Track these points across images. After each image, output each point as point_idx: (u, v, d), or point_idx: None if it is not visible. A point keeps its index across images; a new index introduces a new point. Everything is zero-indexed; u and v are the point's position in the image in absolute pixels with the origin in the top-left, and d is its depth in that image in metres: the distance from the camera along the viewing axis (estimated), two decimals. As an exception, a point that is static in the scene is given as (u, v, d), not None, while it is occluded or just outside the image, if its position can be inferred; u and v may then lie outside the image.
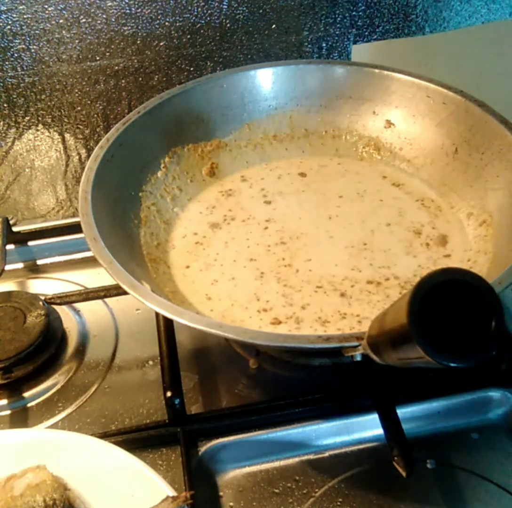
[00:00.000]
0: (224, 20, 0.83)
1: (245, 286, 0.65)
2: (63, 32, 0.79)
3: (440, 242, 0.68)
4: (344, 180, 0.77)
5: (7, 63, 0.80)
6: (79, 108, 0.85)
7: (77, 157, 0.88)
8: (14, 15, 0.77)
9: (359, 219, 0.72)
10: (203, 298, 0.64)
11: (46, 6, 0.77)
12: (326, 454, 0.59)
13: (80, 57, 0.81)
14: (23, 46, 0.79)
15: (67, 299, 0.70)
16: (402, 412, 0.57)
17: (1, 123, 0.84)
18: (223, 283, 0.65)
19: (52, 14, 0.78)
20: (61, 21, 0.78)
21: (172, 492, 0.50)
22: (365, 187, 0.76)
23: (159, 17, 0.81)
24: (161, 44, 0.83)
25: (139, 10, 0.80)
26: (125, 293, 0.55)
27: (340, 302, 0.62)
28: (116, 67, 0.83)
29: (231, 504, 0.56)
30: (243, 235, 0.71)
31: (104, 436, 0.58)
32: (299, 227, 0.71)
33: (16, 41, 0.79)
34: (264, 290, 0.64)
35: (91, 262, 0.77)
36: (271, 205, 0.74)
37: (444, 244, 0.67)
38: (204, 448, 0.59)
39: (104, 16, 0.79)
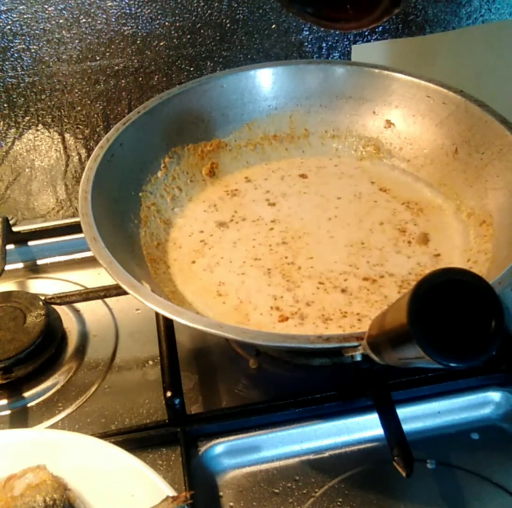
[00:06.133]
0: (224, 20, 0.83)
1: (253, 282, 0.66)
2: (63, 32, 0.79)
3: (422, 240, 0.69)
4: (341, 181, 0.78)
5: (7, 63, 0.80)
6: (79, 108, 0.85)
7: (77, 157, 0.88)
8: (14, 15, 0.77)
9: (356, 219, 0.73)
10: (214, 294, 0.65)
11: (46, 6, 0.77)
12: (326, 454, 0.59)
13: (80, 57, 0.81)
14: (23, 46, 0.79)
15: (67, 299, 0.70)
16: (402, 412, 0.57)
17: (1, 123, 0.84)
18: (232, 279, 0.66)
19: (52, 14, 0.78)
20: (61, 21, 0.78)
21: (172, 492, 0.50)
22: (360, 189, 0.77)
23: (159, 17, 0.81)
24: (161, 44, 0.83)
25: (139, 10, 0.80)
26: (125, 293, 0.55)
27: (342, 301, 0.63)
28: (116, 67, 0.83)
29: (231, 504, 0.56)
30: (250, 235, 0.71)
31: (104, 436, 0.58)
32: (301, 228, 0.72)
33: (16, 41, 0.79)
34: (270, 286, 0.65)
35: (91, 262, 0.77)
36: (275, 207, 0.75)
37: (426, 242, 0.69)
38: (204, 448, 0.59)
39: (104, 16, 0.79)
